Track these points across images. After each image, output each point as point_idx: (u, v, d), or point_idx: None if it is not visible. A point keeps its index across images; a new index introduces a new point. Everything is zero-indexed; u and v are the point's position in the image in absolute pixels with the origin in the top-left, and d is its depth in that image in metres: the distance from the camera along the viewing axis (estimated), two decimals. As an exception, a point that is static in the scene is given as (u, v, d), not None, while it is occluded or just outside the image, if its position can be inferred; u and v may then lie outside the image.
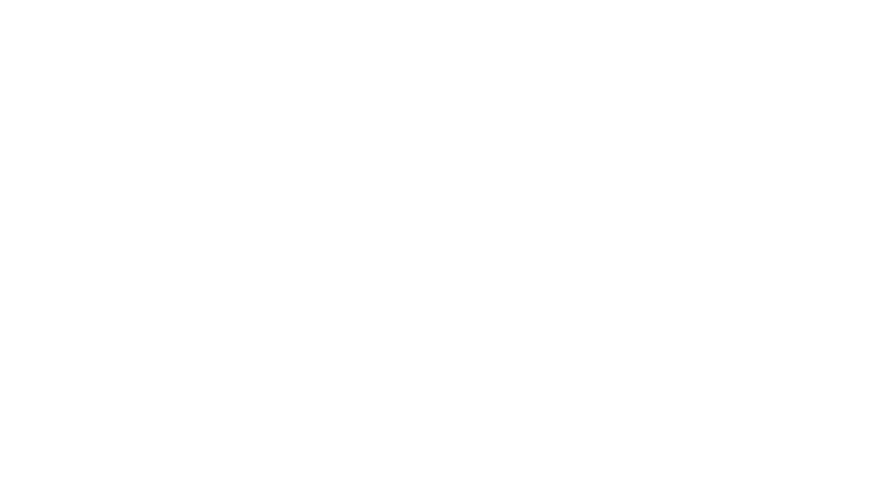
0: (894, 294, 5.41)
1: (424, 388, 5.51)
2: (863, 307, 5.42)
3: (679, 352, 5.46)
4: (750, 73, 5.50)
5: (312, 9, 5.58)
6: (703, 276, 5.48)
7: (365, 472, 5.49)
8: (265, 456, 5.50)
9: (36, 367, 5.52)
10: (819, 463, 5.39)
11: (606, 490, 5.44)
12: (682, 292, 5.48)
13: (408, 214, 5.54)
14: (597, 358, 5.48)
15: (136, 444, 5.50)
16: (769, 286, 5.46)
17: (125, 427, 5.51)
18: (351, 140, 5.57)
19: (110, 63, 5.58)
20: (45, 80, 5.58)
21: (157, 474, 5.49)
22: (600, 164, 5.52)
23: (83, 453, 5.50)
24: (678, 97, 5.51)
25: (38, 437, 5.50)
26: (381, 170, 5.56)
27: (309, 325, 5.53)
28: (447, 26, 5.56)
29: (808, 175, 5.47)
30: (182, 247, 5.54)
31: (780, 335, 5.44)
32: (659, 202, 5.50)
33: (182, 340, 5.52)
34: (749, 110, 5.50)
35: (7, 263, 5.53)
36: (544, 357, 5.49)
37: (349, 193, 5.56)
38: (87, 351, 5.52)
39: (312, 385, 5.51)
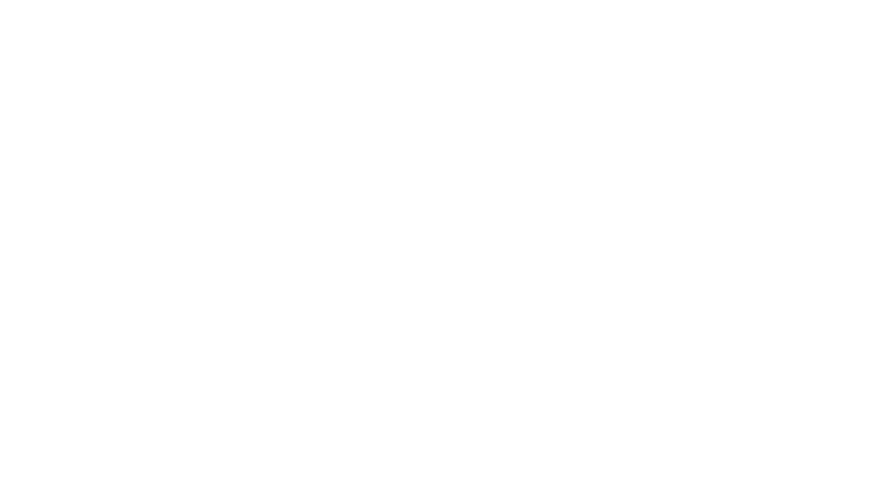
0: (894, 294, 5.41)
1: (424, 388, 5.51)
2: (863, 307, 5.43)
3: (679, 352, 5.47)
4: (750, 74, 5.50)
5: (312, 9, 5.58)
6: (703, 276, 5.48)
7: (365, 471, 5.49)
8: (265, 456, 5.50)
9: (36, 368, 5.52)
10: (819, 463, 5.39)
11: (606, 490, 5.44)
12: (682, 292, 5.48)
13: (408, 214, 5.54)
14: (596, 358, 5.49)
15: (136, 445, 5.51)
16: (769, 286, 5.46)
17: (125, 427, 5.52)
18: (351, 140, 5.57)
19: (110, 63, 5.58)
20: (46, 81, 5.58)
21: (157, 474, 5.50)
22: (600, 165, 5.52)
23: (83, 453, 5.50)
24: (678, 97, 5.51)
25: (37, 437, 5.50)
26: (381, 170, 5.56)
27: (309, 324, 5.53)
28: (447, 26, 5.56)
29: (808, 175, 5.48)
30: (182, 247, 5.55)
31: (779, 335, 5.45)
32: (659, 202, 5.50)
33: (182, 340, 5.53)
34: (749, 110, 5.50)
35: (7, 263, 5.53)
36: (544, 357, 5.50)
37: (349, 193, 5.56)
38: (87, 351, 5.52)
39: (312, 385, 5.52)
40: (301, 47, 5.58)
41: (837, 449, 5.39)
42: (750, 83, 5.50)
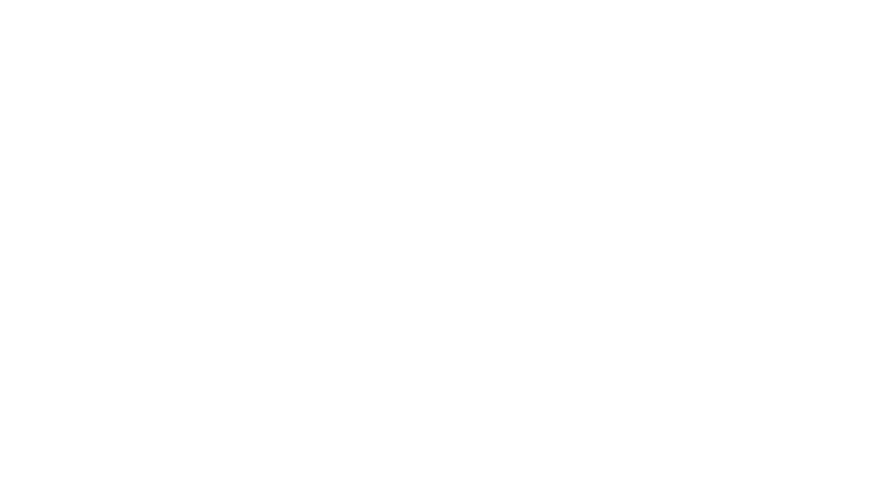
0: (894, 294, 5.41)
1: (424, 388, 5.51)
2: (863, 307, 5.43)
3: (679, 352, 5.47)
4: (750, 74, 5.50)
5: (312, 9, 5.58)
6: (703, 277, 5.48)
7: (365, 472, 5.50)
8: (265, 456, 5.50)
9: (36, 368, 5.52)
10: (819, 463, 5.39)
11: (606, 490, 5.44)
12: (682, 292, 5.48)
13: (408, 214, 5.54)
14: (597, 358, 5.49)
15: (136, 445, 5.51)
16: (769, 286, 5.46)
17: (125, 427, 5.52)
18: (351, 140, 5.58)
19: (110, 63, 5.58)
20: (46, 81, 5.58)
21: (157, 474, 5.50)
22: (600, 165, 5.53)
23: (83, 454, 5.50)
24: (678, 97, 5.52)
25: (38, 437, 5.50)
26: (381, 170, 5.56)
27: (309, 325, 5.53)
28: (447, 26, 5.57)
29: (808, 175, 5.48)
30: (182, 247, 5.55)
31: (779, 335, 5.45)
32: (659, 202, 5.51)
33: (182, 341, 5.53)
34: (749, 110, 5.50)
35: (7, 263, 5.54)
36: (544, 357, 5.50)
37: (349, 193, 5.56)
38: (87, 351, 5.53)
39: (312, 385, 5.52)
40: (301, 47, 5.58)
41: (837, 449, 5.40)
42: (750, 83, 5.50)
